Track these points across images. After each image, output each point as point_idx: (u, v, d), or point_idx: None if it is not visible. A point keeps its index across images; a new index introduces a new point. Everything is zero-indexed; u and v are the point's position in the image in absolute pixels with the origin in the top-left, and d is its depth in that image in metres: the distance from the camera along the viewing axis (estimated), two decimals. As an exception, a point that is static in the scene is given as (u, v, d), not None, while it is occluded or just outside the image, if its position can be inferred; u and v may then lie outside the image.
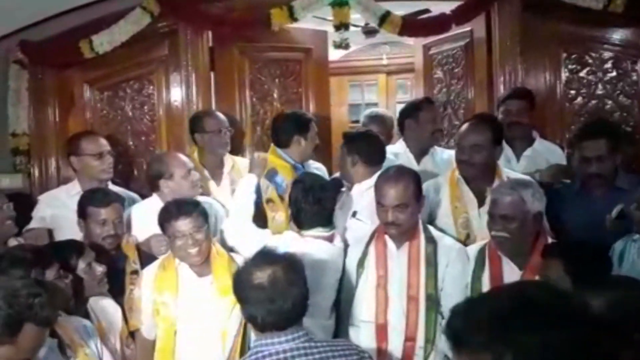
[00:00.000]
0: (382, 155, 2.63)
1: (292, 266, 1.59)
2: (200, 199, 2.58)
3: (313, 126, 2.86)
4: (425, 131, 3.07)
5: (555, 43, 3.31)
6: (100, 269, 2.12)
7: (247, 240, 2.37)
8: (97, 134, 3.08)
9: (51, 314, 1.51)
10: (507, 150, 2.82)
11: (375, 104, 6.28)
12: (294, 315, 1.54)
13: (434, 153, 3.11)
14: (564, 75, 3.33)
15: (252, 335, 1.62)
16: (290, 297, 1.52)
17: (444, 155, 3.11)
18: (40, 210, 2.86)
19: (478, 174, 2.41)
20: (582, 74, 3.32)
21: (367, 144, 2.60)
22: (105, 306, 2.16)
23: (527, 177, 2.45)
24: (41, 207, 2.89)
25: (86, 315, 2.06)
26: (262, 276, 1.54)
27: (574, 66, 3.33)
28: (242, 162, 3.11)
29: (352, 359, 1.54)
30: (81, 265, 2.07)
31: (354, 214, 2.50)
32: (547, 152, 2.99)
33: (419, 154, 3.10)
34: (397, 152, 3.11)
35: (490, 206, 2.10)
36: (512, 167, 2.78)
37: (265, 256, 1.66)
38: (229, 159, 3.11)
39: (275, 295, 1.51)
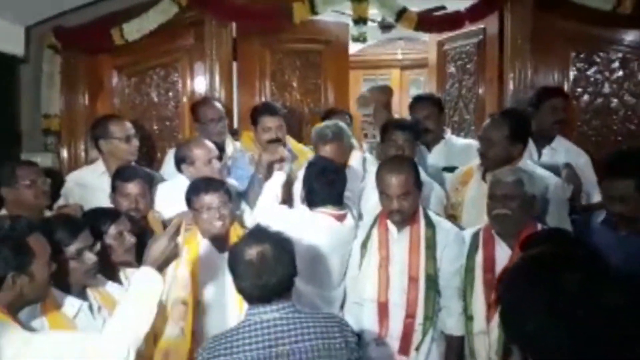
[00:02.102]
0: None
1: (280, 244, 1.70)
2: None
3: None
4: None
5: (565, 42, 3.43)
6: (131, 239, 2.21)
7: (269, 214, 2.50)
8: (122, 118, 3.15)
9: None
10: (530, 146, 2.87)
11: (388, 99, 6.41)
12: (280, 289, 1.65)
13: (447, 142, 3.15)
14: (572, 73, 3.45)
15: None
16: (277, 273, 1.64)
17: (458, 143, 3.19)
18: (68, 189, 3.01)
19: (493, 166, 2.52)
20: (589, 72, 3.44)
21: None
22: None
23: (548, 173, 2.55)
24: (69, 186, 3.02)
25: (119, 282, 2.17)
26: (251, 253, 1.66)
27: (582, 65, 3.45)
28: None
29: (332, 328, 1.66)
30: (112, 231, 2.14)
31: None
32: (566, 152, 2.99)
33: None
34: None
35: (492, 187, 2.23)
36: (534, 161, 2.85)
37: (257, 234, 1.78)
38: (229, 143, 3.22)
39: (263, 271, 1.63)
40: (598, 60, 3.43)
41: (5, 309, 1.50)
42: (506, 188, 2.17)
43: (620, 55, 3.41)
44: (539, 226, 2.21)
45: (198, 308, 2.30)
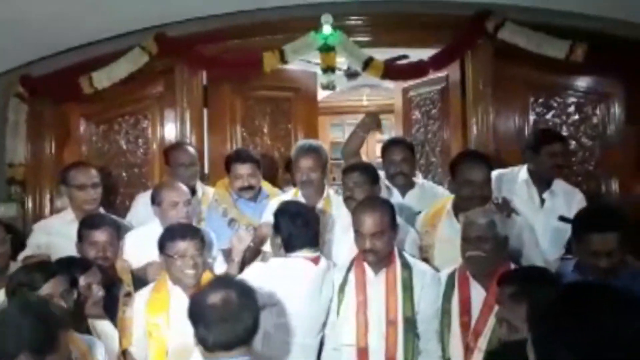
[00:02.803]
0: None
1: (245, 291, 1.67)
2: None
3: None
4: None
5: (524, 88, 3.59)
6: (100, 292, 2.17)
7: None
8: (89, 166, 3.11)
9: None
10: (532, 190, 2.92)
11: (355, 143, 6.53)
12: (244, 336, 1.61)
13: (421, 186, 3.16)
14: (532, 117, 3.61)
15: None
16: (242, 319, 1.61)
17: (431, 187, 3.21)
18: (35, 238, 2.93)
19: (473, 206, 2.51)
20: (548, 116, 3.61)
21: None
22: (105, 328, 2.20)
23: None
24: (36, 235, 2.96)
25: (88, 333, 2.11)
26: (216, 297, 1.62)
27: (540, 109, 3.62)
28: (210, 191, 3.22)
29: None
30: (81, 282, 2.10)
31: None
32: (564, 194, 2.96)
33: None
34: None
35: (465, 230, 2.25)
36: (536, 209, 2.88)
37: (221, 280, 1.79)
38: (199, 188, 3.21)
39: (228, 316, 1.59)
40: (555, 105, 3.60)
41: None
42: (479, 230, 2.20)
43: (575, 100, 3.60)
44: (512, 266, 2.25)
45: (166, 356, 2.25)
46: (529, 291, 1.64)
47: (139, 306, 2.33)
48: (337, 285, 2.38)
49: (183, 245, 2.28)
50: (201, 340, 1.62)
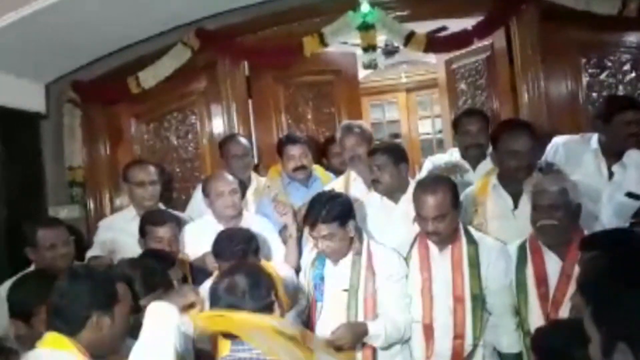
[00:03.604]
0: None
1: (253, 278, 1.61)
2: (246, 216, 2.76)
3: None
4: None
5: (574, 49, 3.47)
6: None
7: None
8: (148, 163, 3.19)
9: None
10: (600, 162, 2.75)
11: (397, 122, 6.49)
12: None
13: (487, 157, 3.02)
14: (585, 79, 3.49)
15: None
16: (246, 307, 1.55)
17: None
18: (100, 235, 3.06)
19: (525, 177, 2.49)
20: (602, 77, 3.47)
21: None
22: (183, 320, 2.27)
23: None
24: (101, 232, 3.08)
25: None
26: (223, 283, 1.60)
27: (593, 70, 3.48)
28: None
29: None
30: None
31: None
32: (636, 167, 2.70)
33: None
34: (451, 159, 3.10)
35: (536, 198, 2.19)
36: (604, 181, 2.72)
37: (233, 267, 1.75)
38: (253, 178, 3.25)
39: (233, 301, 1.56)
40: (609, 64, 3.47)
41: (87, 352, 1.51)
42: (551, 198, 2.13)
43: (630, 57, 3.45)
44: (585, 233, 2.18)
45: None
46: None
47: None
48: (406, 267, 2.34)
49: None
50: None
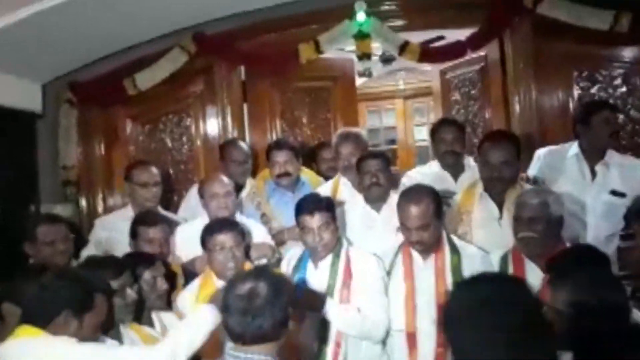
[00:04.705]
0: None
1: (277, 286, 1.55)
2: (239, 219, 2.75)
3: None
4: None
5: (567, 63, 3.50)
6: (164, 285, 2.23)
7: None
8: (151, 165, 3.18)
9: (106, 284, 1.77)
10: (582, 165, 2.81)
11: (393, 128, 6.53)
12: (262, 334, 1.49)
13: (473, 169, 2.97)
14: (576, 92, 3.51)
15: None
16: (263, 315, 1.49)
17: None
18: (97, 234, 3.07)
19: (506, 188, 2.52)
20: (593, 90, 3.50)
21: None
22: (170, 319, 2.26)
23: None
24: (97, 231, 3.09)
25: (150, 325, 2.18)
26: (244, 288, 1.53)
27: (585, 83, 3.51)
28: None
29: None
30: (147, 276, 2.15)
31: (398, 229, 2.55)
32: (620, 167, 2.83)
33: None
34: (430, 172, 3.10)
35: (517, 210, 2.23)
36: (587, 184, 2.79)
37: (257, 271, 1.73)
38: (248, 183, 3.24)
39: (250, 309, 1.50)
40: (600, 78, 3.50)
41: None
42: (532, 210, 2.16)
43: (622, 71, 3.48)
44: (568, 245, 2.21)
45: (222, 348, 2.30)
46: (570, 274, 1.59)
47: (189, 301, 2.37)
48: (385, 269, 2.36)
49: (221, 238, 2.34)
50: (225, 327, 1.57)
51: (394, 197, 2.59)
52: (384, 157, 2.77)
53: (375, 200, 2.73)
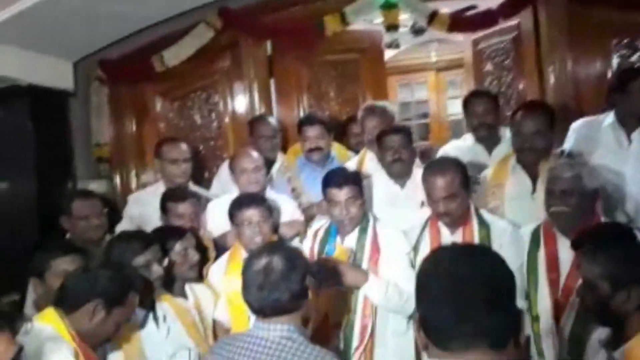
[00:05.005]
0: None
1: (292, 260, 1.60)
2: (269, 194, 2.79)
3: None
4: None
5: (604, 31, 3.33)
6: (195, 256, 2.26)
7: None
8: (181, 141, 3.21)
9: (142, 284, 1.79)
10: (619, 133, 2.71)
11: (425, 102, 6.41)
12: (278, 307, 1.54)
13: (508, 142, 2.85)
14: (615, 61, 3.35)
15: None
16: (278, 289, 1.54)
17: None
18: (130, 209, 3.14)
19: (539, 159, 2.46)
20: (633, 58, 3.33)
21: None
22: (202, 290, 2.34)
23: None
24: (130, 206, 3.16)
25: (184, 297, 2.23)
26: (260, 263, 1.58)
27: (625, 51, 3.34)
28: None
29: None
30: (178, 248, 2.18)
31: (423, 204, 2.54)
32: None
33: None
34: (464, 145, 3.07)
35: (550, 183, 2.16)
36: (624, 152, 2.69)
37: (273, 245, 1.78)
38: (279, 158, 3.27)
39: (265, 284, 1.55)
40: (641, 45, 3.33)
41: (77, 336, 1.58)
42: (564, 184, 2.10)
43: (663, 37, 3.30)
44: (602, 219, 2.15)
45: (248, 322, 2.28)
46: (607, 248, 1.56)
47: (218, 275, 2.43)
48: (411, 245, 2.35)
49: (249, 213, 2.37)
50: (245, 302, 1.62)
51: (417, 172, 2.56)
52: (406, 132, 2.73)
53: (399, 176, 2.70)
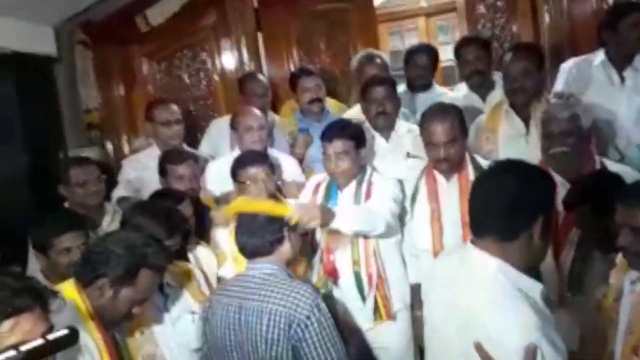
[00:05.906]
0: None
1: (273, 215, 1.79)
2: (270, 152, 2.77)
3: None
4: None
5: (602, -36, 3.24)
6: (191, 220, 2.27)
7: None
8: (171, 103, 3.15)
9: (163, 261, 1.69)
10: (610, 71, 2.69)
11: (417, 49, 6.27)
12: (256, 250, 1.77)
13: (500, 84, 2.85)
14: (612, -1, 3.27)
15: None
16: (255, 235, 1.76)
17: None
18: (125, 174, 3.09)
19: (530, 101, 2.46)
20: (632, -5, 3.25)
21: None
22: (202, 253, 2.36)
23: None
24: (126, 170, 3.11)
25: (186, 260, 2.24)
26: (248, 216, 1.79)
27: (623, -12, 3.26)
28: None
29: (298, 300, 1.62)
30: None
31: (408, 155, 2.60)
32: None
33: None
34: (459, 95, 3.07)
35: (546, 125, 2.15)
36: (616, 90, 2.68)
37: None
38: (269, 115, 3.19)
39: (248, 229, 1.77)
40: (640, -20, 3.23)
41: (96, 313, 1.55)
42: (562, 124, 2.09)
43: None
44: (597, 160, 2.14)
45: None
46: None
47: (225, 233, 2.43)
48: (409, 195, 2.37)
49: (253, 171, 2.36)
50: (236, 245, 1.85)
51: (401, 124, 2.59)
52: (390, 83, 2.68)
53: (383, 128, 2.67)
